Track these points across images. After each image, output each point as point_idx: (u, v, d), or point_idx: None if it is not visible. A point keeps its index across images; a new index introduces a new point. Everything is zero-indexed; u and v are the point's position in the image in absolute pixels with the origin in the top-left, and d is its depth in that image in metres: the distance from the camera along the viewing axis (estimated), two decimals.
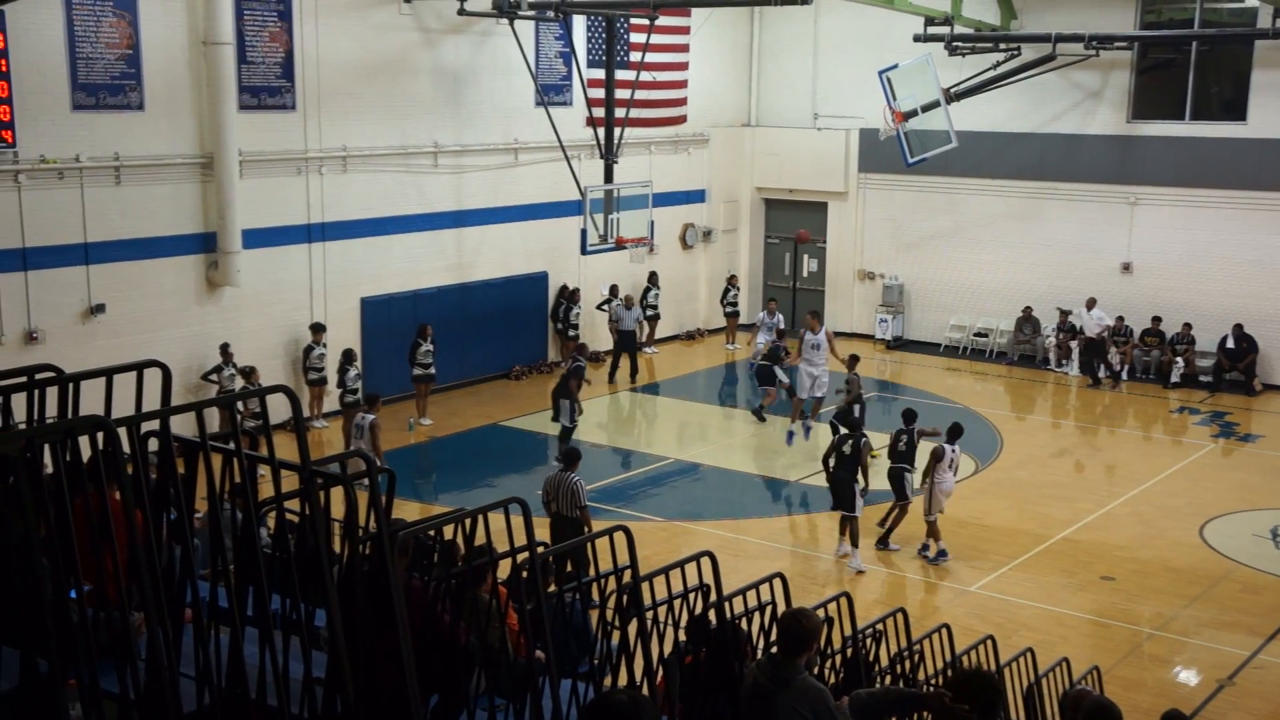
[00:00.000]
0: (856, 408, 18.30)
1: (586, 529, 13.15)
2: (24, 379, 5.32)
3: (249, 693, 4.64)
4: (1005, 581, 15.24)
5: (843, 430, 16.84)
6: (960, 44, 24.92)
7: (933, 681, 9.21)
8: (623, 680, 6.17)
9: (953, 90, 25.04)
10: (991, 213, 27.17)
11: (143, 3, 18.15)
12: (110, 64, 17.95)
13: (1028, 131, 26.46)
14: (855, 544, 15.55)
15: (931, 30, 24.56)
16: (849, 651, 8.10)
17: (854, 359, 19.78)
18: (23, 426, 5.23)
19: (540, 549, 5.91)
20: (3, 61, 16.72)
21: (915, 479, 16.01)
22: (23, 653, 4.09)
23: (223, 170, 19.08)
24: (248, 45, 19.52)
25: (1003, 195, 26.95)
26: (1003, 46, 25.35)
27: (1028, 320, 26.69)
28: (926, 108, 24.62)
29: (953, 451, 15.57)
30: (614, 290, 25.26)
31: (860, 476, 15.58)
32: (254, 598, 4.73)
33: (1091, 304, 25.26)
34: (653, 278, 26.78)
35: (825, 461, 15.92)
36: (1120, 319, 25.47)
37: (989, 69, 25.43)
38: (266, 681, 4.65)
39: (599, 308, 25.46)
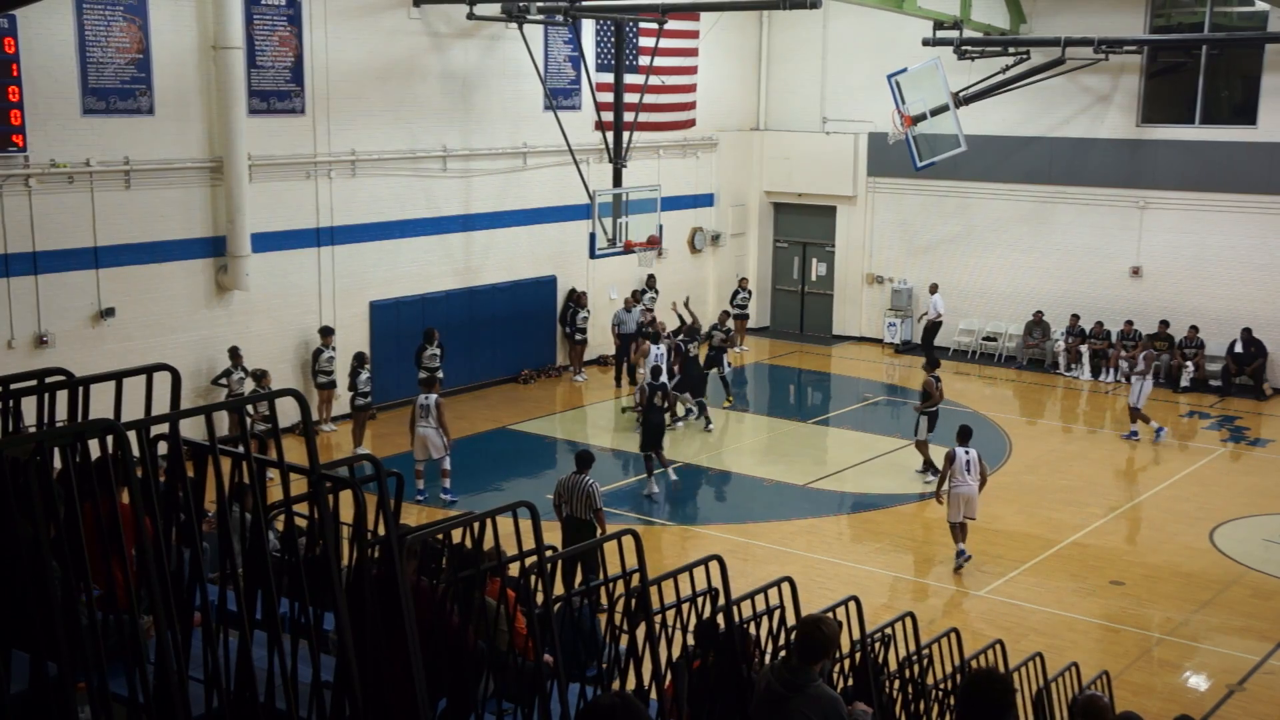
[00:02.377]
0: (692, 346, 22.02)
1: (601, 531, 13.14)
2: (34, 382, 5.34)
3: (257, 696, 4.64)
4: (1014, 586, 15.21)
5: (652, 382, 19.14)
6: (969, 48, 24.90)
7: (941, 685, 9.19)
8: (631, 685, 6.17)
9: (962, 94, 25.03)
10: (1001, 217, 27.14)
11: (153, 7, 18.20)
12: (120, 68, 18.00)
13: (1037, 135, 26.43)
14: (664, 463, 18.49)
15: (940, 34, 24.58)
16: (857, 655, 8.08)
17: (725, 315, 24.11)
18: (33, 430, 5.24)
19: (549, 553, 5.91)
20: (14, 66, 16.78)
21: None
22: (32, 656, 4.10)
23: (232, 174, 19.12)
24: (257, 50, 19.57)
25: (1012, 199, 26.92)
26: (1012, 50, 25.34)
27: (1037, 324, 26.67)
28: (935, 112, 24.61)
29: (966, 454, 15.63)
30: (627, 303, 25.24)
31: (669, 417, 18.68)
32: (262, 601, 4.73)
33: (934, 289, 26.53)
34: (650, 280, 26.79)
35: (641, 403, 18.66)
36: (1129, 323, 25.44)
37: (998, 73, 25.42)
38: (275, 685, 4.66)
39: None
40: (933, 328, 26.69)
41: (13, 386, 5.33)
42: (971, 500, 15.64)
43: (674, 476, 18.62)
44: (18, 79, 16.82)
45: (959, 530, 15.70)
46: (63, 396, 5.30)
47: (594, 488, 13.56)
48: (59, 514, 4.16)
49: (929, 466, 18.81)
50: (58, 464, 4.30)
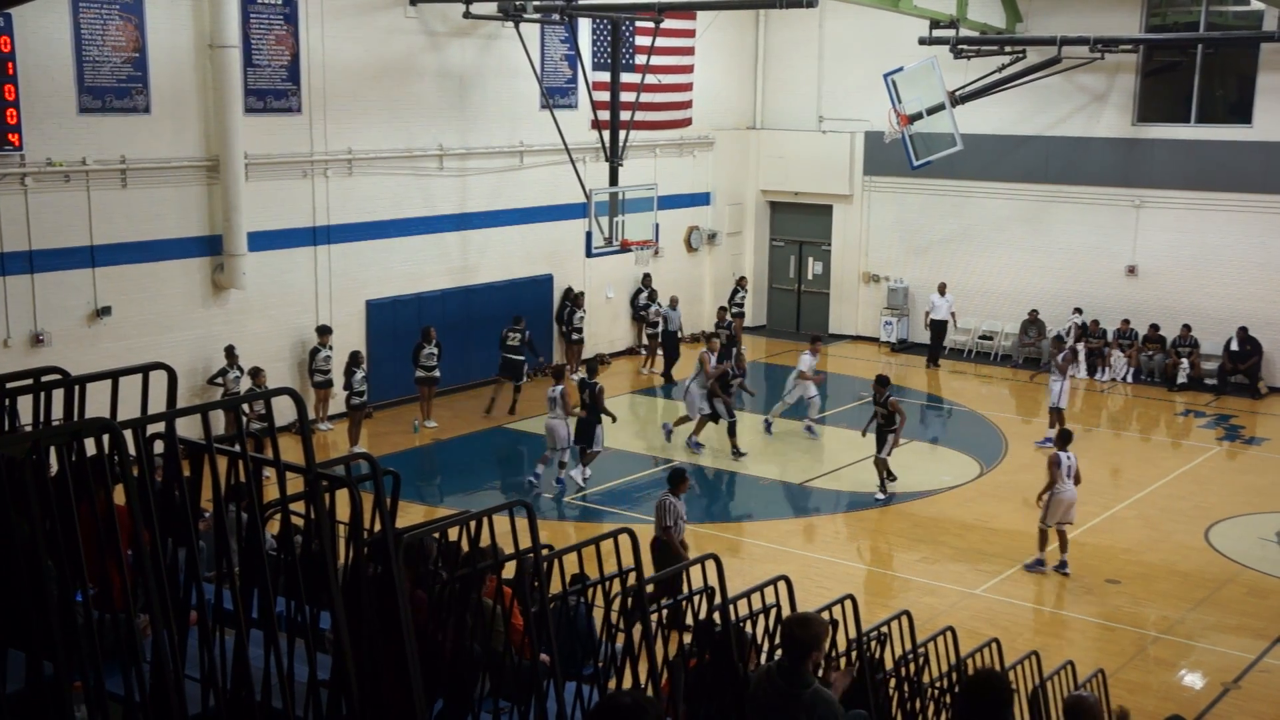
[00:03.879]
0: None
1: (672, 551, 13.07)
2: (30, 381, 5.34)
3: (254, 695, 4.64)
4: (1010, 584, 15.23)
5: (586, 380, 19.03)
6: (965, 47, 24.92)
7: (938, 684, 9.20)
8: (627, 683, 6.17)
9: (958, 93, 25.03)
10: (997, 216, 27.16)
11: (149, 6, 18.18)
12: (117, 67, 17.98)
13: (1033, 134, 26.45)
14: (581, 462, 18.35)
15: (937, 33, 24.59)
16: (854, 654, 8.09)
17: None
18: (29, 429, 5.24)
19: (544, 552, 5.91)
20: (10, 65, 16.76)
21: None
22: (28, 655, 4.10)
23: (228, 173, 19.11)
24: (253, 48, 19.55)
25: (1008, 198, 26.93)
26: (1008, 49, 25.36)
27: (1033, 323, 26.69)
28: (932, 111, 24.62)
29: (1069, 459, 15.46)
30: (674, 301, 25.84)
31: (603, 418, 18.40)
32: (259, 600, 4.74)
33: (943, 289, 26.61)
34: (646, 280, 26.82)
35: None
36: (1126, 322, 25.47)
37: (994, 72, 25.43)
38: (271, 684, 4.66)
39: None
40: (936, 327, 26.67)
41: (9, 386, 5.33)
42: (1073, 506, 15.46)
43: (580, 481, 18.33)
44: (14, 78, 16.79)
45: (1047, 537, 15.45)
46: (59, 395, 5.30)
47: (663, 505, 13.28)
48: (55, 513, 4.16)
49: (885, 481, 18.31)
50: (54, 463, 4.30)
